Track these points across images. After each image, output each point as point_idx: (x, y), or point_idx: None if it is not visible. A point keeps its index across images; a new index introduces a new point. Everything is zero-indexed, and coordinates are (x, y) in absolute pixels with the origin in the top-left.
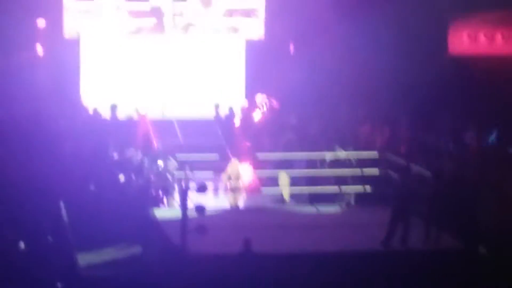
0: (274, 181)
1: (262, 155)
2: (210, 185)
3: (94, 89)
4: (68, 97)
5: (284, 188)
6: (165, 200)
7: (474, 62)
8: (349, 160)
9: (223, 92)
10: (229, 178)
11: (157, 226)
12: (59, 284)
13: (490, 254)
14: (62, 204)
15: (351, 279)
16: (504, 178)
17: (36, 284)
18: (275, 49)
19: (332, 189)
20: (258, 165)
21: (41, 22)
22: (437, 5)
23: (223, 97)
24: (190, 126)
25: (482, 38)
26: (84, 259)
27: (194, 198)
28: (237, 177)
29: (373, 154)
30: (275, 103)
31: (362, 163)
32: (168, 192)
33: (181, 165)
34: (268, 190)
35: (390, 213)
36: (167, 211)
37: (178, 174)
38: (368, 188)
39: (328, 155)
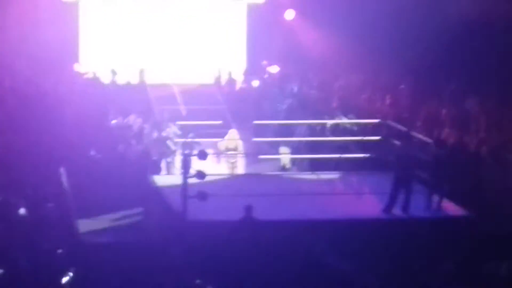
0: (275, 148)
1: (262, 122)
2: (210, 152)
3: (93, 54)
4: (67, 62)
5: (285, 155)
6: (165, 166)
7: (476, 28)
8: (351, 127)
9: (224, 58)
10: (227, 149)
11: (158, 192)
12: (59, 250)
13: (492, 221)
14: (62, 170)
15: (352, 247)
16: (505, 144)
17: (37, 250)
18: (276, 14)
19: (333, 156)
20: (258, 131)
21: None
22: None
23: (224, 63)
24: (191, 92)
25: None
26: (85, 225)
27: (194, 165)
28: (235, 148)
29: (374, 121)
30: (276, 68)
31: (363, 130)
32: (168, 158)
33: (182, 132)
34: (269, 157)
35: (391, 181)
36: (167, 177)
37: (178, 140)
38: (369, 155)
39: (329, 122)
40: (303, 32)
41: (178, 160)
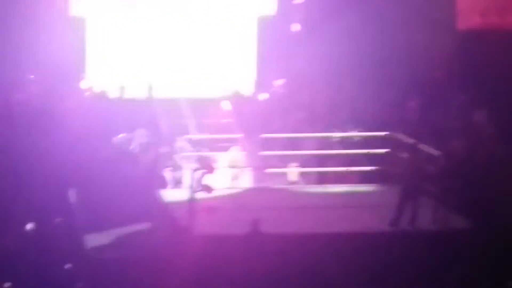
0: (283, 162)
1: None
2: (218, 166)
3: (101, 69)
4: (75, 77)
5: (293, 170)
6: (173, 180)
7: (486, 40)
8: (359, 140)
9: (233, 71)
10: (229, 166)
11: (165, 207)
12: (67, 265)
13: (500, 234)
14: (70, 185)
15: (359, 260)
16: None
17: (44, 265)
18: (287, 27)
19: (341, 169)
20: (267, 145)
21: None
22: None
23: (233, 76)
24: (199, 106)
25: (493, 14)
26: (92, 240)
27: (202, 179)
28: (237, 166)
29: (382, 134)
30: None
31: (371, 143)
32: (176, 172)
33: (190, 146)
34: (277, 171)
35: (399, 194)
36: (175, 192)
37: (186, 154)
38: (377, 168)
39: (338, 135)
40: (313, 45)
41: (186, 174)
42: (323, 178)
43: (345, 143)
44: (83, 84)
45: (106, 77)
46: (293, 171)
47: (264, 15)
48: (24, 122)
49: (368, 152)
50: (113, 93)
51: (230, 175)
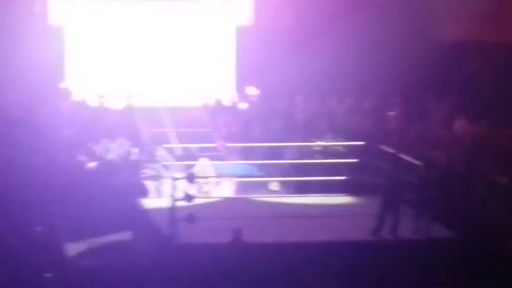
0: (263, 171)
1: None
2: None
3: (80, 78)
4: (54, 86)
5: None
6: (153, 189)
7: (466, 49)
8: (339, 149)
9: (212, 80)
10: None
11: (146, 215)
12: (47, 275)
13: (481, 244)
14: (50, 194)
15: (340, 269)
16: (494, 166)
17: (24, 273)
18: (266, 36)
19: (321, 178)
20: (247, 154)
21: (25, 8)
22: None
23: (213, 85)
24: (179, 115)
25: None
26: (73, 249)
27: (182, 187)
28: (207, 176)
29: (362, 143)
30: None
31: (351, 152)
32: (156, 181)
33: (170, 155)
34: (257, 180)
35: (380, 203)
36: (155, 200)
37: (166, 163)
38: (357, 177)
39: (317, 144)
40: (292, 54)
41: (166, 183)
42: (303, 188)
43: (325, 152)
44: (62, 93)
45: (85, 85)
46: (273, 181)
47: (243, 24)
48: (2, 130)
49: (348, 162)
50: (92, 102)
51: (200, 185)
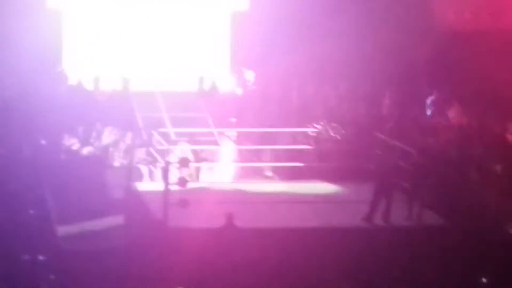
0: (257, 156)
1: (245, 130)
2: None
3: (77, 62)
4: (51, 69)
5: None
6: (147, 173)
7: (460, 39)
8: (333, 135)
9: (207, 65)
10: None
11: (139, 199)
12: (40, 257)
13: (472, 231)
14: (43, 177)
15: (333, 255)
16: (487, 154)
17: (17, 257)
18: (260, 22)
19: (315, 164)
20: (241, 139)
21: None
22: None
23: (208, 70)
24: (174, 100)
25: (468, 13)
26: (65, 232)
27: (176, 172)
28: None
29: (357, 130)
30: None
31: (345, 139)
32: (150, 165)
33: (164, 139)
34: (252, 165)
35: (373, 189)
36: (149, 184)
37: (160, 147)
38: (351, 164)
39: (312, 131)
40: (287, 41)
41: (159, 166)
42: (297, 174)
43: (318, 139)
44: (59, 76)
45: (82, 69)
46: (268, 166)
47: (238, 10)
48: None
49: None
50: (88, 85)
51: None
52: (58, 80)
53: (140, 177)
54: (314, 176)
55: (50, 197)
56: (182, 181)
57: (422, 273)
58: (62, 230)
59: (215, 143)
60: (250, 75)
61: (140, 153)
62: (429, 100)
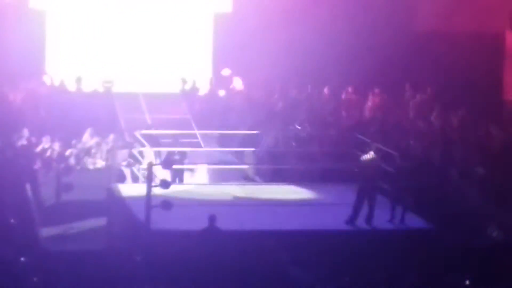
0: (240, 159)
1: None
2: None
3: (60, 62)
4: (34, 70)
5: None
6: (130, 175)
7: (444, 41)
8: (316, 138)
9: (190, 67)
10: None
11: (122, 201)
12: (22, 259)
13: (455, 234)
14: (25, 178)
15: (315, 258)
16: (469, 155)
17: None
18: (243, 24)
19: (298, 167)
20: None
21: None
22: None
23: (190, 72)
24: (157, 101)
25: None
26: (48, 234)
27: (159, 174)
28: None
29: (340, 132)
30: (241, 79)
31: (328, 141)
32: (133, 167)
33: (146, 141)
34: (234, 168)
35: (355, 192)
36: (131, 186)
37: (143, 149)
38: (333, 166)
39: (296, 133)
40: (270, 43)
41: (142, 168)
42: (280, 176)
43: (302, 141)
44: (42, 77)
45: (65, 70)
46: (249, 168)
47: (221, 12)
48: None
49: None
50: (71, 86)
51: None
52: (40, 81)
53: (122, 179)
54: (296, 178)
55: (32, 199)
56: (165, 183)
57: (405, 276)
58: (45, 231)
59: (198, 145)
60: (232, 77)
61: (123, 155)
62: (412, 103)
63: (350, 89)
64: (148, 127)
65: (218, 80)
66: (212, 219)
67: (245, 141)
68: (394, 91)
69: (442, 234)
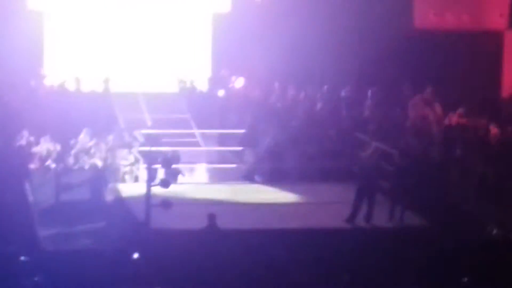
0: (239, 158)
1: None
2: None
3: (58, 62)
4: (32, 70)
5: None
6: (129, 175)
7: (440, 38)
8: (315, 137)
9: (189, 67)
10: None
11: (121, 201)
12: (22, 258)
13: (453, 232)
14: (24, 178)
15: (314, 256)
16: (468, 154)
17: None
18: (242, 24)
19: (297, 166)
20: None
21: None
22: None
23: (189, 72)
24: (156, 101)
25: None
26: (48, 233)
27: (159, 173)
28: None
29: (339, 131)
30: (239, 80)
31: (327, 140)
32: (133, 167)
33: (146, 140)
34: (233, 167)
35: (355, 191)
36: (131, 186)
37: (142, 149)
38: (333, 165)
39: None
40: (268, 42)
41: (142, 168)
42: (280, 175)
43: (301, 140)
44: (40, 77)
45: (63, 70)
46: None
47: (219, 12)
48: None
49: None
50: (69, 86)
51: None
52: (39, 81)
53: (122, 178)
54: (295, 177)
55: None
56: (165, 183)
57: (404, 274)
58: (44, 231)
59: (197, 144)
60: (231, 76)
61: (122, 154)
62: (411, 101)
63: (349, 88)
64: (147, 127)
65: (217, 80)
66: (211, 218)
67: (244, 140)
68: (394, 89)
69: (441, 232)
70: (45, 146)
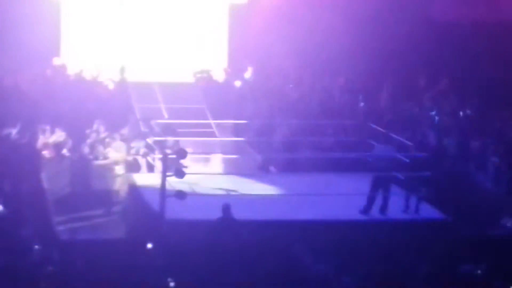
0: (255, 148)
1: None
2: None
3: (75, 52)
4: (49, 59)
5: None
6: (145, 165)
7: (458, 32)
8: (331, 127)
9: (205, 57)
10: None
11: (137, 191)
12: (36, 247)
13: (469, 224)
14: (40, 167)
15: (329, 247)
16: (485, 147)
17: (14, 247)
18: (259, 14)
19: (312, 156)
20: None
21: None
22: None
23: (206, 62)
24: (172, 91)
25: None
26: (63, 222)
27: (174, 164)
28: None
29: (354, 122)
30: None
31: (343, 131)
32: (148, 157)
33: (162, 130)
34: (248, 157)
35: (370, 182)
36: (146, 176)
37: (158, 139)
38: (348, 156)
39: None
40: (285, 33)
41: (157, 158)
42: (294, 166)
43: (317, 131)
44: (57, 66)
45: (80, 60)
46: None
47: (236, 2)
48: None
49: (341, 140)
50: (87, 76)
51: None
52: (56, 70)
53: (138, 168)
54: (311, 168)
55: (46, 187)
56: (180, 173)
57: (419, 266)
58: (59, 220)
59: (213, 134)
60: (247, 67)
61: (138, 144)
62: (427, 93)
63: (365, 79)
64: (163, 117)
65: (233, 70)
66: (226, 208)
67: (260, 130)
68: (410, 80)
69: (457, 224)
70: (60, 135)
